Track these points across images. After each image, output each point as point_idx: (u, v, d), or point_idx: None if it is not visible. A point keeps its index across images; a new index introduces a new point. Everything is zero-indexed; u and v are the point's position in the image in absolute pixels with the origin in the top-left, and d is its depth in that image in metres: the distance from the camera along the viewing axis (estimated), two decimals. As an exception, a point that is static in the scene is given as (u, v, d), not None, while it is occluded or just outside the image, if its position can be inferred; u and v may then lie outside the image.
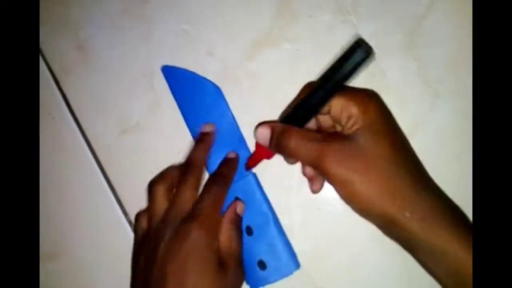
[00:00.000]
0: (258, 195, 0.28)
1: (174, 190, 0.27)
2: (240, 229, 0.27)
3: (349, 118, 0.22)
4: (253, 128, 0.29)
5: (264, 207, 0.28)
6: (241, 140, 0.29)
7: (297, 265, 0.27)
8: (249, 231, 0.28)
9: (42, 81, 0.33)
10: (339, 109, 0.23)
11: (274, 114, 0.28)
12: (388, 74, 0.28)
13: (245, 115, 0.29)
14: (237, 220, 0.27)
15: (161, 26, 0.31)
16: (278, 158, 0.29)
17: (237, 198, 0.28)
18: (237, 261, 0.26)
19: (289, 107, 0.27)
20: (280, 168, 0.29)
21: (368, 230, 0.27)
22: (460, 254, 0.20)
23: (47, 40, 0.34)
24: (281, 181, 0.29)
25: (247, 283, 0.27)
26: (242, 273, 0.26)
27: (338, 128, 0.24)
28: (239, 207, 0.27)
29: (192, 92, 0.29)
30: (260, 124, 0.26)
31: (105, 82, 0.32)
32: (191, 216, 0.25)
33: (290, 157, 0.25)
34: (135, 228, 0.29)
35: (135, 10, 0.32)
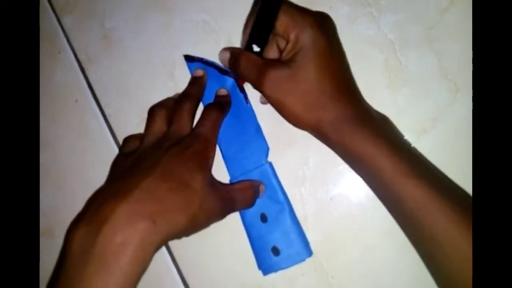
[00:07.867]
0: (274, 184, 0.28)
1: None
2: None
3: (288, 42, 0.25)
4: (271, 119, 0.29)
5: (280, 195, 0.28)
6: (258, 130, 0.29)
7: (309, 253, 0.28)
8: (264, 218, 0.28)
9: (69, 69, 0.35)
10: (282, 31, 0.25)
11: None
12: (408, 67, 0.28)
13: (263, 106, 0.30)
14: (254, 186, 0.28)
15: (182, 17, 0.32)
16: (292, 149, 0.29)
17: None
18: (228, 197, 0.25)
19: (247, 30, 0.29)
20: (294, 159, 0.29)
21: (380, 222, 0.28)
22: (379, 161, 0.23)
23: (74, 29, 0.35)
24: (295, 172, 0.29)
25: (260, 268, 0.28)
26: (223, 207, 0.25)
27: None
28: (262, 187, 0.28)
29: (212, 81, 0.30)
30: (225, 48, 0.29)
31: (127, 70, 0.33)
32: (192, 136, 0.25)
33: (241, 77, 0.28)
34: (121, 147, 0.29)
35: (158, 1, 0.33)
